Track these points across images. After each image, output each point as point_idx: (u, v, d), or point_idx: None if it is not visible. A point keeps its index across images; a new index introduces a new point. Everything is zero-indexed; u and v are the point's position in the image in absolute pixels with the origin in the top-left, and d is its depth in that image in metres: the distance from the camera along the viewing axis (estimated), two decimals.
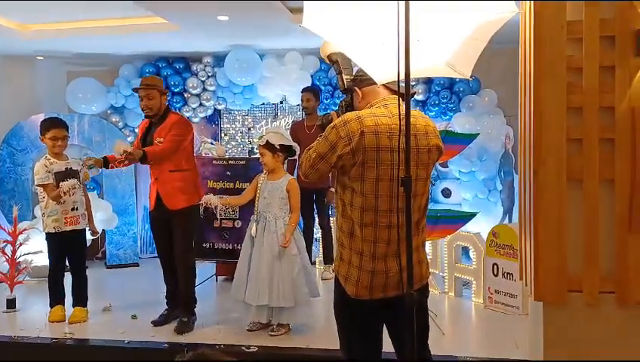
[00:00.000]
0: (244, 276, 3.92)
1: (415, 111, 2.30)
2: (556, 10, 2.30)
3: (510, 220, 5.83)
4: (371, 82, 2.22)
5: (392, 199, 2.14)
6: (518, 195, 2.83)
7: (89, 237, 4.59)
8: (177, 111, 6.03)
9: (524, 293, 4.10)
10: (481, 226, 5.23)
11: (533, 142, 2.35)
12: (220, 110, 6.92)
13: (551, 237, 2.33)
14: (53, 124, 4.29)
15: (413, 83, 1.93)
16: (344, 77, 2.38)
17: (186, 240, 4.13)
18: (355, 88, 2.32)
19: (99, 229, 4.74)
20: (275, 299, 3.80)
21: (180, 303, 4.17)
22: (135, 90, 4.22)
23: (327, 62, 2.49)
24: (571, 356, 2.34)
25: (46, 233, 4.28)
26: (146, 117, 4.20)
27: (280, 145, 3.88)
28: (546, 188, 2.33)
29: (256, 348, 3.68)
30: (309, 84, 6.19)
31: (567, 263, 2.33)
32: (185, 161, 4.11)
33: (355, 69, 2.42)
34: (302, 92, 5.65)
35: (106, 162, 4.08)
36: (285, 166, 4.10)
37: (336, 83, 6.80)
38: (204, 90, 6.57)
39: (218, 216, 4.84)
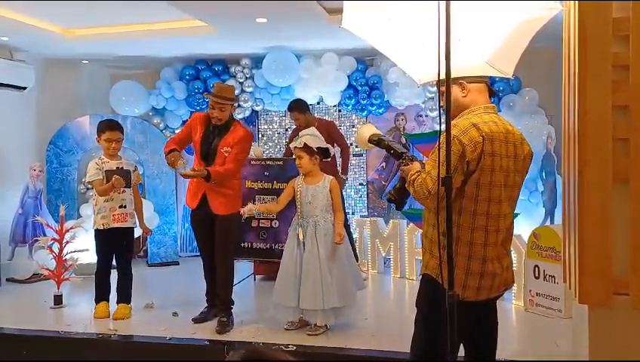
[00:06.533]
0: (291, 281, 3.87)
1: (503, 118, 2.41)
2: (602, 6, 2.24)
3: (552, 222, 5.69)
4: (478, 79, 2.37)
5: (501, 204, 2.27)
6: (562, 196, 2.77)
7: (138, 233, 4.69)
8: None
9: (567, 296, 4.01)
10: (521, 228, 5.12)
11: (578, 142, 2.30)
12: (257, 111, 7.00)
13: (596, 238, 2.27)
14: (108, 127, 4.41)
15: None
16: (394, 146, 2.46)
17: (227, 243, 4.17)
18: (462, 81, 2.34)
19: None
20: (332, 300, 3.81)
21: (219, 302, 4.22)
22: (206, 95, 4.22)
23: (369, 146, 2.59)
24: (617, 359, 2.28)
25: (95, 230, 4.40)
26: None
27: (317, 147, 3.90)
28: (591, 189, 2.27)
29: (295, 347, 3.69)
30: (346, 84, 6.22)
31: (613, 266, 2.27)
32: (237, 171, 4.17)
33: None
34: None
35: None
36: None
37: (373, 83, 6.70)
38: (242, 91, 6.66)
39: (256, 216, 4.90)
